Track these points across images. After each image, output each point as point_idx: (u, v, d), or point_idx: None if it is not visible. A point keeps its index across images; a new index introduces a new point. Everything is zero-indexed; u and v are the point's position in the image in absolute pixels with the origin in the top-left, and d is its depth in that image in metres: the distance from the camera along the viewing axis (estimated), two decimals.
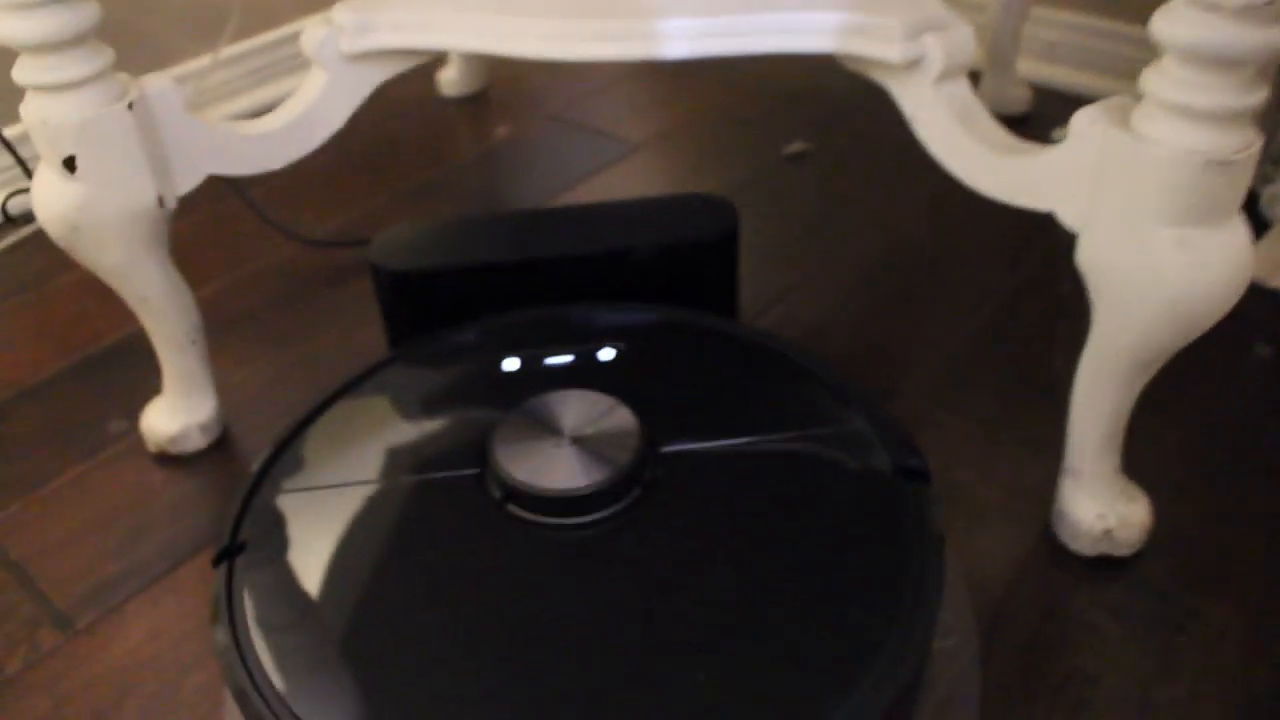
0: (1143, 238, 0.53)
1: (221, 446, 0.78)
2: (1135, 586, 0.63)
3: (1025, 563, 0.65)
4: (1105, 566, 0.64)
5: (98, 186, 0.66)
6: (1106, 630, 0.61)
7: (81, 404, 0.84)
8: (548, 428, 0.59)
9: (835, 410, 0.61)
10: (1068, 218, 0.57)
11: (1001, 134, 0.62)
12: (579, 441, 0.58)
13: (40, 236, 1.04)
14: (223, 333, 0.89)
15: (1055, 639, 0.61)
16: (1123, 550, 0.64)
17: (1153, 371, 0.59)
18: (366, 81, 0.73)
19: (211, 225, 1.04)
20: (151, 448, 0.77)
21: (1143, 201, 0.52)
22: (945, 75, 0.61)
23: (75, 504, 0.75)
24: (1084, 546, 0.65)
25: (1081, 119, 0.54)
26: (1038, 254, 0.89)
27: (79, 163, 0.65)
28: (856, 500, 0.56)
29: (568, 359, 0.66)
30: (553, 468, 0.56)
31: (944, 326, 0.84)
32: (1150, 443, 0.71)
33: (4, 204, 1.07)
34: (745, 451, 0.59)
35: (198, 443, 0.77)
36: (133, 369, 0.86)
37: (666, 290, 0.72)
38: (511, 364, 0.66)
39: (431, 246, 0.73)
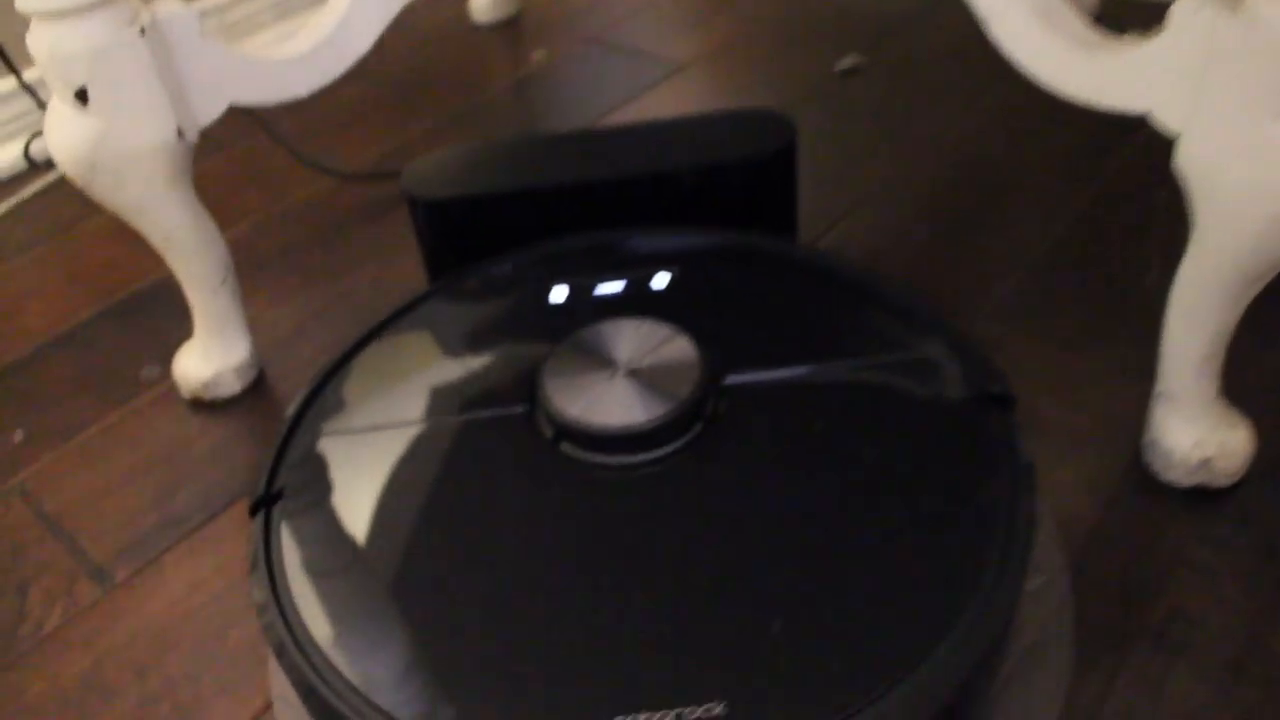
0: (1254, 136, 0.47)
1: (257, 390, 0.75)
2: (1237, 520, 0.59)
3: (1115, 496, 0.61)
4: (1203, 498, 0.60)
5: (113, 119, 0.62)
6: (1208, 567, 0.57)
7: (114, 351, 0.81)
8: (601, 360, 0.55)
9: (909, 334, 0.57)
10: (1166, 118, 0.52)
11: (1086, 30, 0.56)
12: (635, 374, 0.54)
13: (67, 181, 1.01)
14: (255, 273, 0.85)
15: (1152, 577, 0.57)
16: (1221, 481, 0.59)
17: (1260, 286, 0.53)
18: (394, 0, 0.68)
19: (242, 163, 1.00)
20: (185, 394, 0.74)
21: (1256, 94, 0.47)
22: None
23: (109, 454, 0.72)
24: (1179, 477, 0.60)
25: (1185, 6, 0.49)
26: (1116, 166, 0.83)
27: (91, 95, 0.61)
28: (936, 430, 0.52)
29: (619, 287, 0.61)
30: (607, 403, 0.52)
31: (1016, 246, 0.79)
32: (1247, 365, 0.66)
33: (26, 148, 1.04)
34: (814, 381, 0.55)
35: (233, 387, 0.74)
36: (165, 314, 0.83)
37: (722, 212, 0.67)
38: (559, 294, 0.62)
39: (469, 173, 0.69)
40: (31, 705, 0.57)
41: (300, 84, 0.68)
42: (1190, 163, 0.51)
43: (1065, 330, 0.71)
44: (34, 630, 0.61)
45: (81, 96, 0.61)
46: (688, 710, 0.41)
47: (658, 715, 0.41)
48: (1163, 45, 0.50)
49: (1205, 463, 0.59)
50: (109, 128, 0.62)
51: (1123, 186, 0.82)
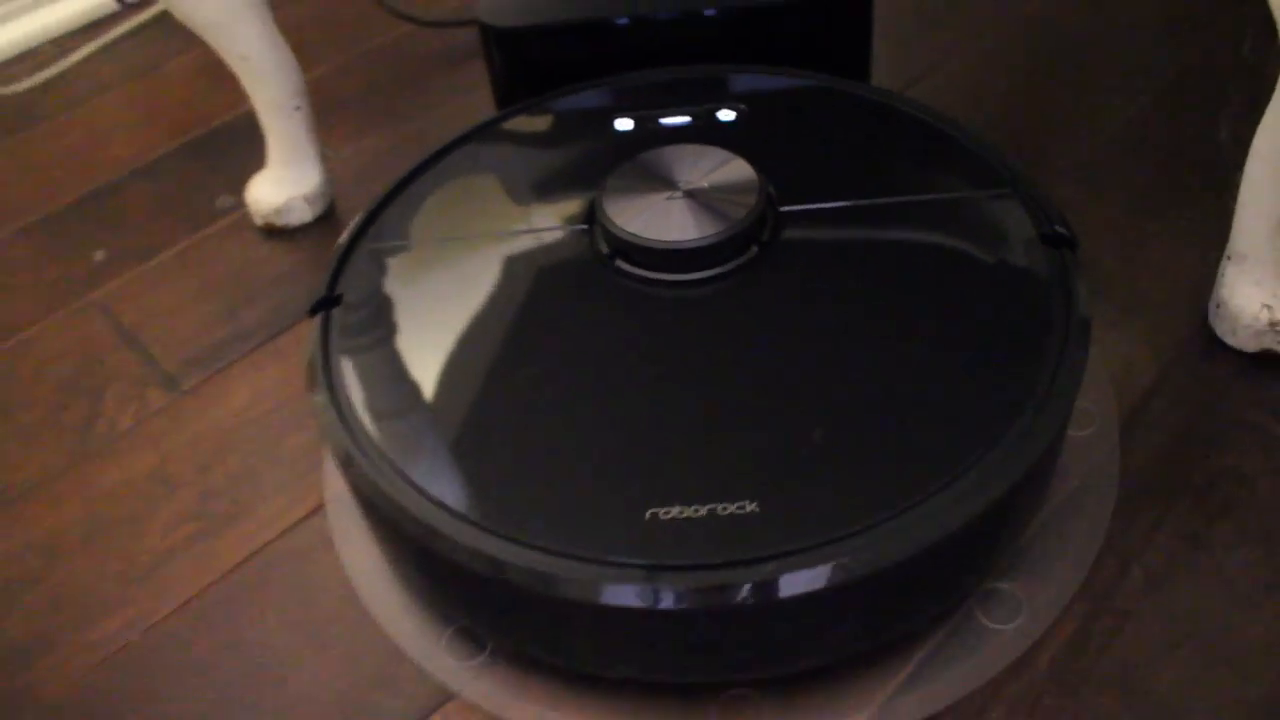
0: None
1: (328, 220, 0.76)
2: None
3: (1178, 356, 0.59)
4: (1270, 364, 0.58)
5: None
6: (1268, 431, 0.56)
7: (191, 182, 0.83)
8: (660, 181, 0.55)
9: (973, 173, 0.56)
10: None
11: None
12: (692, 195, 0.54)
13: (156, 23, 1.02)
14: (333, 111, 0.86)
15: (1207, 437, 0.56)
16: None
17: None
18: None
19: (324, 9, 1.01)
20: (257, 220, 0.76)
21: None
22: None
23: (183, 275, 0.74)
24: (1245, 341, 0.58)
25: None
26: (1211, 35, 0.80)
27: None
28: (992, 263, 0.51)
29: (685, 119, 0.61)
30: (664, 221, 0.52)
31: (1100, 108, 0.76)
32: None
33: None
34: (873, 212, 0.54)
35: (303, 215, 0.75)
36: (242, 149, 0.84)
37: (795, 51, 0.66)
38: (625, 124, 0.62)
39: (542, 4, 0.68)
40: (105, 492, 0.60)
41: None
42: None
43: (1141, 193, 0.69)
44: (108, 429, 0.64)
45: None
46: (720, 506, 0.42)
47: (690, 509, 0.42)
48: None
49: (1274, 326, 0.57)
50: None
51: (1211, 60, 0.79)
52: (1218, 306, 0.59)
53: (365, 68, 0.92)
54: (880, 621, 0.45)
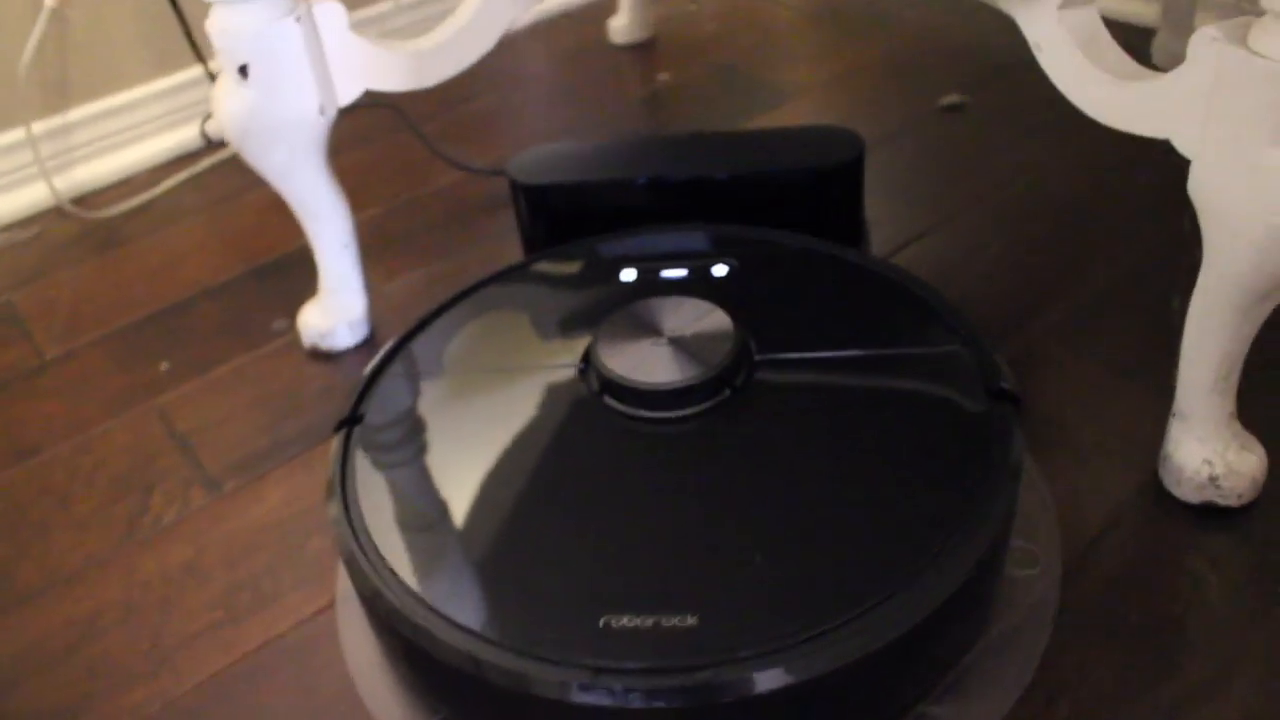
0: (1253, 160, 0.51)
1: (368, 346, 0.84)
2: (1241, 539, 0.61)
3: (1127, 505, 0.64)
4: (1212, 515, 0.63)
5: (266, 92, 0.72)
6: (1203, 580, 0.60)
7: (253, 304, 0.92)
8: (648, 328, 0.61)
9: (932, 332, 0.62)
10: (1182, 144, 0.56)
11: (1127, 62, 0.60)
12: (676, 342, 0.60)
13: (234, 159, 1.13)
14: (380, 250, 0.95)
15: (1146, 583, 0.60)
16: (1230, 500, 0.62)
17: (1269, 306, 0.57)
18: (516, 4, 0.77)
19: (385, 156, 1.11)
20: (306, 343, 0.84)
21: (1255, 121, 0.51)
22: (1069, 1, 0.60)
23: (236, 388, 0.82)
24: (1188, 493, 0.63)
25: (1200, 38, 0.53)
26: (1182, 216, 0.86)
27: (251, 70, 0.71)
28: (941, 414, 0.57)
29: (682, 273, 0.68)
30: (649, 364, 0.59)
31: (1080, 274, 0.82)
32: (1277, 395, 0.69)
33: (203, 128, 1.17)
34: (837, 363, 0.60)
35: (346, 340, 0.83)
36: (301, 278, 0.93)
37: (790, 214, 0.73)
38: (629, 275, 0.69)
39: (566, 164, 0.77)
40: (143, 579, 0.67)
41: (428, 75, 0.77)
42: (1200, 186, 0.55)
43: (1111, 353, 0.75)
44: (153, 523, 0.71)
45: (243, 71, 0.72)
46: (665, 618, 0.48)
47: (639, 619, 0.48)
48: (1182, 74, 0.54)
49: (1213, 480, 0.61)
50: (262, 99, 0.73)
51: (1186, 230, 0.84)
52: (1165, 460, 0.64)
53: (415, 210, 1.01)
54: None
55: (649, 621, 0.48)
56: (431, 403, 0.62)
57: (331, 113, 0.75)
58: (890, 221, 0.90)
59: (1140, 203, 0.90)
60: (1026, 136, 1.01)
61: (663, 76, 1.21)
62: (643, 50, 1.28)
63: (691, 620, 0.47)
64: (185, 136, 1.17)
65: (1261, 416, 0.64)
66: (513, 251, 0.91)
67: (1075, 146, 0.98)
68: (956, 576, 0.48)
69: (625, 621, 0.48)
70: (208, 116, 1.17)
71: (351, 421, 0.62)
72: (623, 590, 0.49)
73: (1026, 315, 0.79)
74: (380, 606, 0.51)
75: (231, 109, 0.73)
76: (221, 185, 1.11)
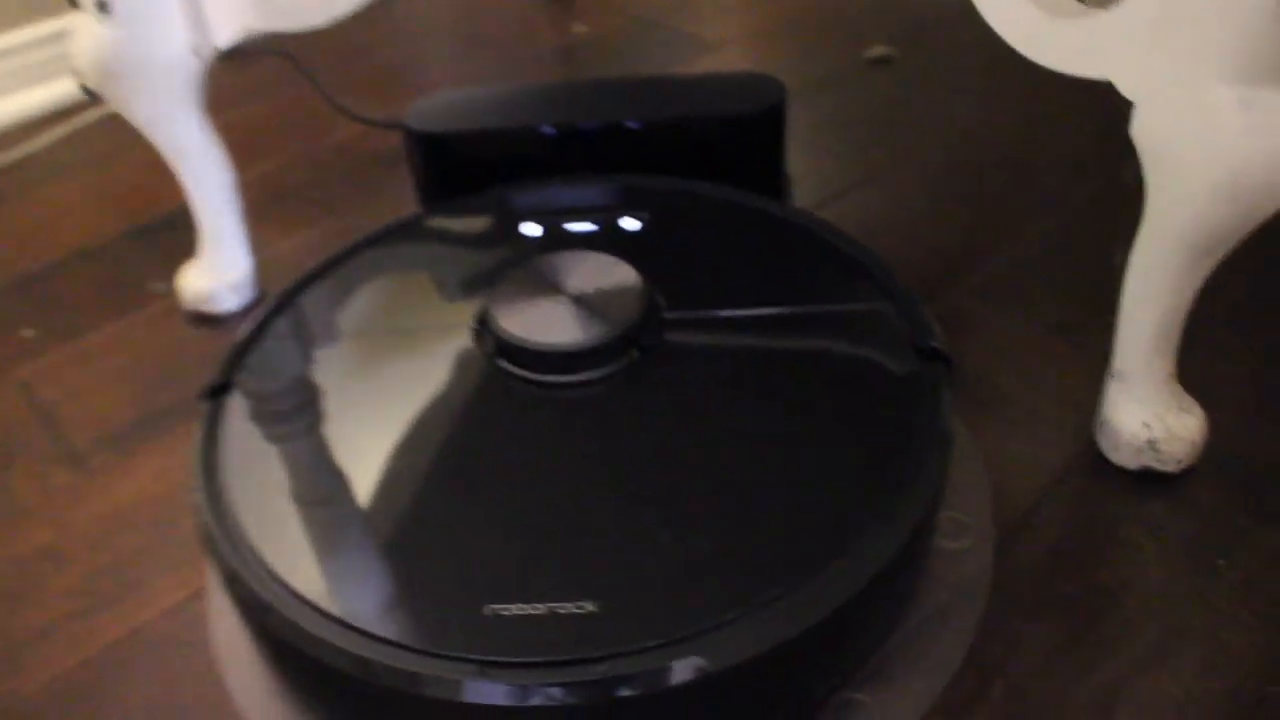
0: (1201, 99, 0.47)
1: (254, 309, 0.77)
2: (1180, 506, 0.58)
3: (1062, 473, 0.60)
4: (1150, 481, 0.59)
5: (130, 30, 0.66)
6: (1141, 548, 0.56)
7: (129, 267, 0.85)
8: (549, 285, 0.56)
9: (858, 288, 0.57)
10: (1124, 85, 0.51)
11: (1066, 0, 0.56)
12: (579, 300, 0.55)
13: (117, 115, 1.05)
14: (272, 206, 0.89)
15: (1082, 553, 0.56)
16: (1169, 465, 0.59)
17: (1211, 262, 0.53)
18: None
19: (281, 109, 1.04)
20: (185, 306, 0.77)
21: (1204, 56, 0.47)
22: None
23: (107, 356, 0.75)
24: (1125, 458, 0.59)
25: None
26: (1123, 166, 0.82)
27: (111, 4, 0.64)
28: (866, 376, 0.53)
29: (589, 227, 0.63)
30: (548, 324, 0.54)
31: (1013, 230, 0.79)
32: (1220, 357, 0.65)
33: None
34: (755, 322, 0.56)
35: (229, 303, 0.77)
36: (183, 238, 0.86)
37: (707, 165, 0.68)
38: (531, 229, 0.63)
39: (468, 112, 0.71)
40: None
41: (319, 11, 0.70)
42: (1143, 130, 0.51)
43: (1041, 312, 0.71)
44: (9, 504, 0.64)
45: (102, 6, 0.65)
46: (560, 605, 0.42)
47: (529, 607, 0.43)
48: (1124, 9, 0.50)
49: (1152, 444, 0.58)
50: (126, 38, 0.66)
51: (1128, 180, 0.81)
52: (1102, 424, 0.60)
53: (311, 165, 0.95)
54: None
55: (541, 609, 0.42)
56: (311, 369, 0.56)
57: (206, 54, 0.69)
58: (814, 176, 0.85)
59: (1076, 156, 0.86)
60: (956, 91, 0.97)
61: (579, 28, 1.15)
62: (558, 1, 1.22)
63: (589, 607, 0.42)
64: (63, 89, 1.09)
65: (1200, 378, 0.60)
66: (413, 208, 0.85)
67: (1006, 101, 0.94)
68: (881, 555, 0.44)
69: (515, 609, 0.42)
70: None
71: (222, 389, 0.56)
72: (513, 575, 0.44)
73: (956, 273, 0.75)
74: (239, 591, 0.45)
75: (91, 49, 0.66)
76: (104, 142, 1.03)
